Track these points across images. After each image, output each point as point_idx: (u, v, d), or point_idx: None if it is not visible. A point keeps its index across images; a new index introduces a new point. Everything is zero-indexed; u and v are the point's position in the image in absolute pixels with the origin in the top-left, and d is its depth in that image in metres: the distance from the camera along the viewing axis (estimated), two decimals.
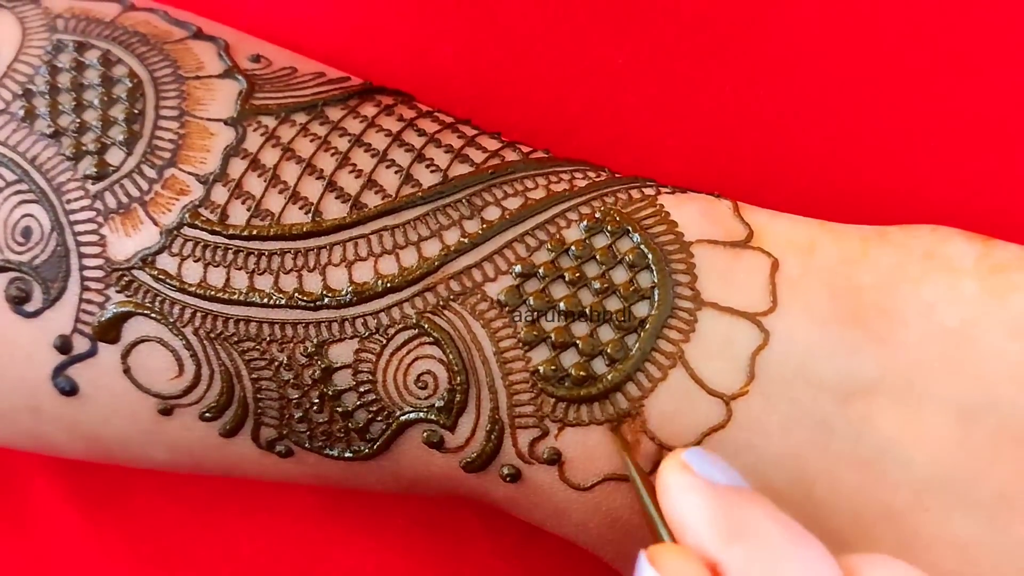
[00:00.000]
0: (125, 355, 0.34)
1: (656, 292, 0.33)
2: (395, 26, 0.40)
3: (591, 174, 0.35)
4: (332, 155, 0.35)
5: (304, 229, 0.34)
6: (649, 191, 0.35)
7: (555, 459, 0.33)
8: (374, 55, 0.40)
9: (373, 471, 0.35)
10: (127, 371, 0.35)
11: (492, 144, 0.36)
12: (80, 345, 0.35)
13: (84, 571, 0.44)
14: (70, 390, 0.35)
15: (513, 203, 0.34)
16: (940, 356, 0.32)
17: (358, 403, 0.34)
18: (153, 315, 0.34)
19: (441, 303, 0.33)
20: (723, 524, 0.28)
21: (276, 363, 0.34)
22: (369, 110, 0.36)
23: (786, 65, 0.40)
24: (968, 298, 0.33)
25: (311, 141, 0.35)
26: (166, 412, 0.35)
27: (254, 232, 0.34)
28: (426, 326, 0.33)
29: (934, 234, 0.34)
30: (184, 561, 0.44)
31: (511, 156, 0.35)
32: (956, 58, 0.40)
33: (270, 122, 0.35)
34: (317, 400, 0.34)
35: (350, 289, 0.33)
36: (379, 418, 0.34)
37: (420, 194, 0.34)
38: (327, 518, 0.42)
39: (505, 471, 0.33)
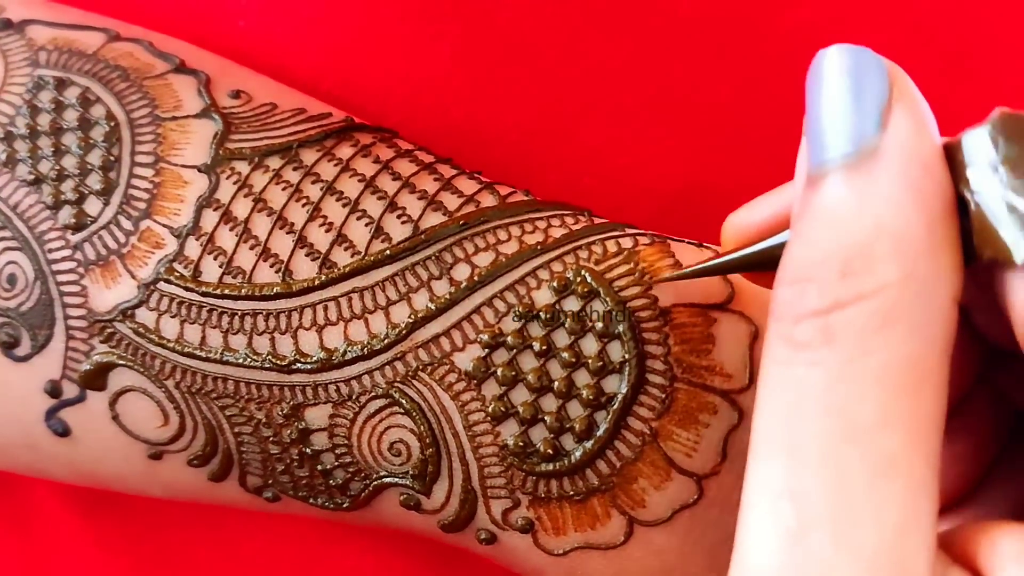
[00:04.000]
0: (113, 402, 0.35)
1: (627, 367, 0.32)
2: (394, 26, 0.39)
3: (569, 220, 0.34)
4: (303, 206, 0.34)
5: (274, 291, 0.33)
6: (626, 242, 0.33)
7: (528, 528, 0.33)
8: (373, 56, 0.39)
9: (358, 519, 0.35)
10: (116, 417, 0.35)
11: (469, 187, 0.35)
12: (70, 391, 0.35)
13: (84, 571, 0.45)
14: (63, 432, 0.36)
15: (484, 259, 0.33)
16: None
17: (336, 464, 0.34)
18: (135, 367, 0.34)
19: (411, 373, 0.32)
20: None
21: (255, 420, 0.34)
22: (345, 151, 0.35)
23: (786, 65, 0.38)
24: None
25: (283, 189, 0.34)
26: (156, 457, 0.35)
27: (225, 291, 0.33)
28: (397, 396, 0.33)
29: None
30: (184, 561, 0.44)
31: (487, 201, 0.34)
32: (957, 57, 0.39)
33: (243, 168, 0.34)
34: (297, 457, 0.34)
35: (321, 356, 0.33)
36: (357, 479, 0.34)
37: (389, 251, 0.33)
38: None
39: (482, 535, 0.33)
